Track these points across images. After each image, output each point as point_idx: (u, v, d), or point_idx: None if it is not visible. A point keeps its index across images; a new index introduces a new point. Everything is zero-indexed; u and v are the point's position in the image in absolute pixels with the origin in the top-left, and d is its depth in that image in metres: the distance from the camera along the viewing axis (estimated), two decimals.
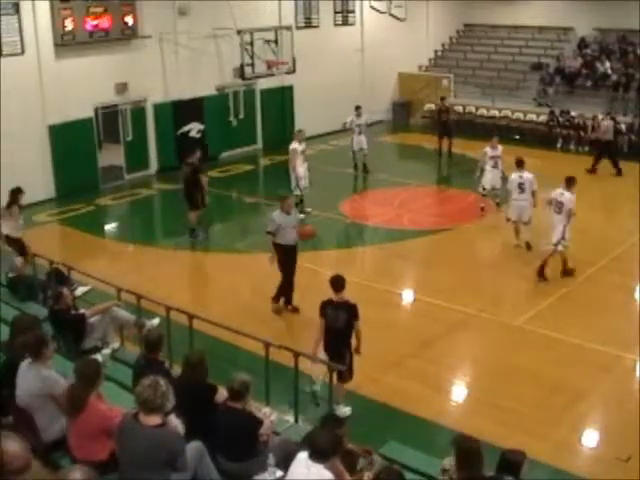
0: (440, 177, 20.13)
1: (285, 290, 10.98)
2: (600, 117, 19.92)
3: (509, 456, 5.18)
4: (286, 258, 10.79)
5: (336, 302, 7.91)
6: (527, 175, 13.06)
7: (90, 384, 5.46)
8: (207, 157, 19.72)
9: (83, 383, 5.48)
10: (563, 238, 11.64)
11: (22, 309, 9.01)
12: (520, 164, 13.19)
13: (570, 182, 11.82)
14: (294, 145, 15.23)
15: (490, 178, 15.23)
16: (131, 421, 4.88)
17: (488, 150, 15.33)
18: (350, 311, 7.85)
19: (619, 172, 18.33)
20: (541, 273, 11.83)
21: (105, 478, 4.96)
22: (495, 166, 15.21)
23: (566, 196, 11.65)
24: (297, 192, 15.13)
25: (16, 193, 11.84)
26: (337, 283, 7.96)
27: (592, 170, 18.35)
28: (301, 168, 15.26)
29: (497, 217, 14.85)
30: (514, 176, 13.17)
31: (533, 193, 12.93)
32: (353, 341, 8.01)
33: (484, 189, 15.41)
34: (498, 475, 5.03)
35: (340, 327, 7.85)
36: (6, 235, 11.60)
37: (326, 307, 7.95)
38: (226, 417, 5.85)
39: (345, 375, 8.01)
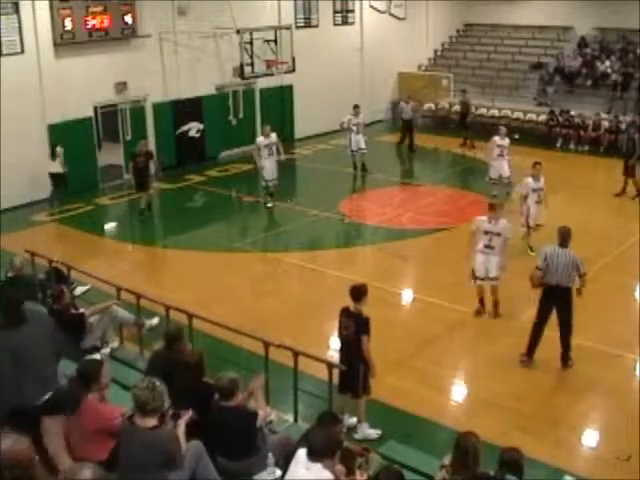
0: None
1: (569, 345, 9.21)
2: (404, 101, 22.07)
3: (509, 455, 5.17)
4: (561, 303, 9.11)
5: (350, 311, 7.68)
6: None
7: (85, 384, 5.46)
8: (203, 156, 19.87)
9: (79, 382, 5.50)
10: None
11: None
12: None
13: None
14: (258, 139, 16.21)
15: (496, 167, 16.08)
16: (126, 423, 4.89)
17: (496, 139, 16.30)
18: (358, 324, 7.54)
19: (411, 148, 21.20)
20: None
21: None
22: (501, 155, 16.11)
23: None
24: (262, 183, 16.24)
25: None
26: (353, 293, 7.63)
27: (400, 142, 21.70)
28: (263, 161, 15.89)
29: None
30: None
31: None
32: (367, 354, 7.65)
33: (491, 179, 16.27)
34: (500, 475, 5.02)
35: (349, 337, 7.63)
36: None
37: (342, 314, 7.75)
38: (221, 417, 5.83)
39: (358, 390, 7.69)
